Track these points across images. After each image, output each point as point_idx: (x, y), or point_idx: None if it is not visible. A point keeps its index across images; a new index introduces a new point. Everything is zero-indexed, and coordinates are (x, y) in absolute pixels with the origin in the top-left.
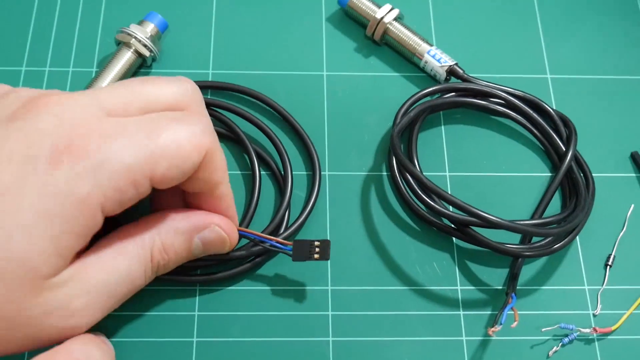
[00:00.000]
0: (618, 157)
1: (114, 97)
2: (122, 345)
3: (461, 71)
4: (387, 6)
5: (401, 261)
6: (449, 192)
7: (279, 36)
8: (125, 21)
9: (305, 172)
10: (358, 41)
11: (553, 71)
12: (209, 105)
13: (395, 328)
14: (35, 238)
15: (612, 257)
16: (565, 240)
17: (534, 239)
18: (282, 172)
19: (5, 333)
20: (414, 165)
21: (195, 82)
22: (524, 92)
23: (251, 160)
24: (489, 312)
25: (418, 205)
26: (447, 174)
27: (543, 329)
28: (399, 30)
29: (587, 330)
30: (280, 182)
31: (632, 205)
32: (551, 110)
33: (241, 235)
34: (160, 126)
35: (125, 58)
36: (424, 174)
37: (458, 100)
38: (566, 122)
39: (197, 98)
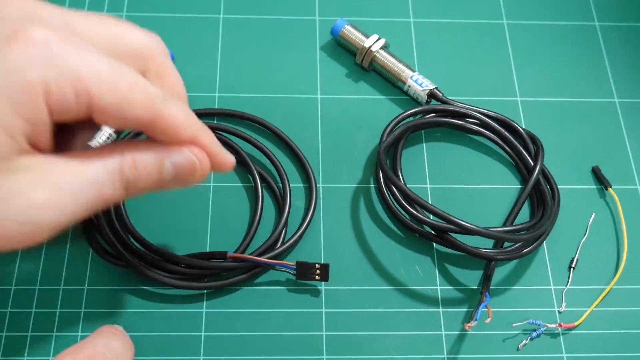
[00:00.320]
0: (580, 171)
1: (84, 22)
2: (139, 339)
3: (440, 94)
4: (375, 36)
5: (387, 264)
6: (430, 202)
7: (278, 63)
8: None
9: (302, 185)
10: (348, 67)
11: (522, 94)
12: (215, 130)
13: (382, 323)
14: None
15: (575, 260)
16: (534, 245)
17: (506, 244)
18: (282, 191)
19: None
20: (399, 178)
21: (202, 110)
22: (496, 113)
23: (254, 181)
24: (466, 309)
25: (402, 214)
26: (428, 186)
27: (514, 325)
28: (385, 58)
29: (553, 325)
30: (279, 200)
31: (593, 214)
32: (521, 129)
33: (252, 262)
34: (124, 68)
35: None
36: (407, 186)
37: (438, 120)
38: (534, 139)
39: (161, 50)
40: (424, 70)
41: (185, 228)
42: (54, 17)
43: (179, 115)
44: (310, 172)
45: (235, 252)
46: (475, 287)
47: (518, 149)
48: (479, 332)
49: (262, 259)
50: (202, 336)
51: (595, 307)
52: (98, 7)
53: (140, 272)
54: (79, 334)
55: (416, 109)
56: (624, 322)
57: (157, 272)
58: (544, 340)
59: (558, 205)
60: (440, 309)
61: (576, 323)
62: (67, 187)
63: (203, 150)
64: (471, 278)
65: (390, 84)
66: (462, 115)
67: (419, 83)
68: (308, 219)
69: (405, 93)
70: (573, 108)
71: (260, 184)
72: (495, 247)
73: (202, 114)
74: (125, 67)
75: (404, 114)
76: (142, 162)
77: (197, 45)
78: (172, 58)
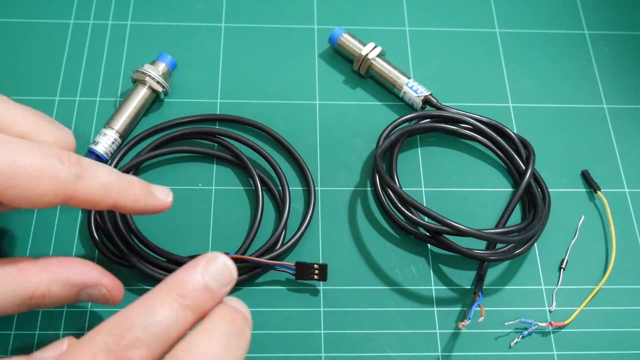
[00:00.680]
0: (570, 174)
1: (2, 111)
2: None
3: (435, 100)
4: (371, 44)
5: (383, 264)
6: (425, 205)
7: (277, 70)
8: (146, 57)
9: (301, 188)
10: (346, 75)
11: (514, 100)
12: (218, 135)
13: (378, 322)
14: None
15: (565, 261)
16: (525, 246)
17: (498, 245)
18: (281, 194)
19: None
20: (394, 182)
21: (205, 115)
22: (489, 118)
23: (255, 184)
24: (459, 309)
25: (398, 216)
26: (423, 189)
27: (506, 323)
28: (381, 65)
29: (544, 324)
30: (279, 202)
31: (583, 217)
32: (512, 134)
33: (253, 263)
34: (28, 156)
35: (142, 94)
36: (403, 189)
37: (432, 126)
38: (526, 144)
39: (72, 149)
40: (419, 77)
41: (187, 230)
42: None
43: (94, 189)
44: (309, 176)
45: (236, 253)
46: (469, 287)
47: (510, 153)
48: (472, 331)
49: (263, 259)
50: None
51: (584, 306)
52: (103, 17)
53: (143, 272)
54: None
55: (411, 115)
56: (613, 320)
57: (160, 272)
58: (535, 339)
59: (549, 208)
60: (435, 308)
61: (566, 322)
62: None
63: (127, 209)
64: (464, 278)
65: (387, 90)
66: (456, 121)
67: (414, 90)
68: (307, 221)
69: (401, 99)
70: (563, 113)
71: (261, 187)
72: (487, 248)
73: (205, 120)
74: (34, 153)
75: (400, 120)
76: (57, 292)
77: (199, 53)
78: (175, 66)
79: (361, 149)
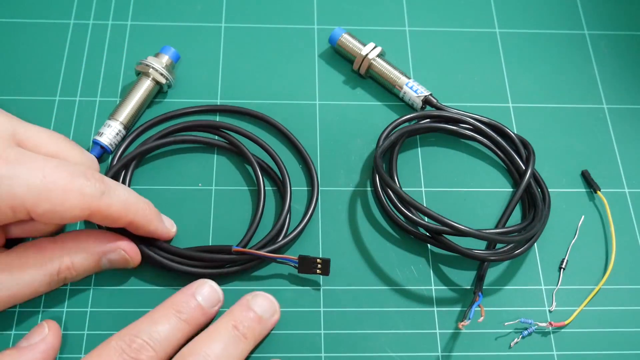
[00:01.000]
0: (570, 174)
1: (32, 134)
2: None
3: (435, 100)
4: (371, 44)
5: (383, 264)
6: (425, 205)
7: (278, 70)
8: (146, 57)
9: (303, 188)
10: (346, 75)
11: (514, 100)
12: (221, 128)
13: (379, 322)
14: None
15: (565, 261)
16: (525, 246)
17: (498, 245)
18: (282, 185)
19: None
20: (394, 182)
21: (207, 106)
22: (489, 118)
23: (256, 175)
24: (459, 309)
25: (398, 216)
26: (423, 189)
27: (506, 323)
28: (381, 65)
29: (544, 324)
30: (281, 192)
31: (583, 217)
32: (512, 134)
33: (256, 256)
34: (58, 173)
35: (145, 86)
36: (402, 189)
37: (432, 126)
38: (525, 144)
39: (96, 169)
40: (419, 78)
41: (189, 221)
42: (0, 123)
43: (115, 206)
44: (312, 167)
45: (238, 245)
46: (469, 287)
47: (510, 153)
48: (472, 331)
49: (266, 253)
50: None
51: (584, 306)
52: (103, 17)
53: (151, 259)
54: (85, 332)
55: (411, 115)
56: (612, 321)
57: (166, 258)
58: (535, 339)
59: (549, 208)
60: (435, 308)
61: (566, 322)
62: (6, 287)
63: (140, 229)
64: (464, 278)
65: (387, 90)
66: (456, 121)
67: (414, 90)
68: (310, 212)
69: (401, 99)
70: (563, 114)
71: (262, 178)
72: (487, 248)
73: (212, 110)
74: (62, 170)
75: (400, 120)
76: (80, 264)
77: (199, 53)
78: (178, 58)
79: (361, 149)
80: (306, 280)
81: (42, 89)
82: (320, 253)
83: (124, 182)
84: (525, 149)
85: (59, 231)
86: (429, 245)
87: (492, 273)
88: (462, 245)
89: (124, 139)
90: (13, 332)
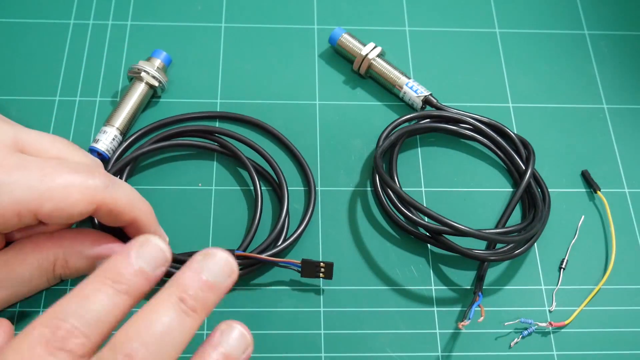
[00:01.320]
0: (570, 174)
1: (34, 140)
2: None
3: (435, 100)
4: (371, 44)
5: (383, 264)
6: (425, 205)
7: (277, 70)
8: (146, 57)
9: (301, 188)
10: (346, 75)
11: (514, 100)
12: (216, 133)
13: (379, 322)
14: None
15: (565, 261)
16: (525, 246)
17: (498, 245)
18: (280, 190)
19: None
20: (394, 182)
21: (207, 112)
22: (489, 118)
23: (253, 181)
24: (459, 309)
25: (398, 216)
26: (423, 189)
27: (506, 323)
28: (381, 65)
29: (544, 324)
30: (278, 196)
31: (583, 217)
32: (512, 134)
33: (259, 261)
34: (57, 171)
35: (139, 90)
36: (402, 189)
37: (432, 126)
38: (525, 144)
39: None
40: (419, 78)
41: (187, 227)
42: (2, 131)
43: (121, 198)
44: (309, 172)
45: (238, 249)
46: (469, 287)
47: (510, 153)
48: (472, 331)
49: (270, 257)
50: (205, 334)
51: (584, 306)
52: (103, 17)
53: None
54: None
55: (411, 115)
56: (612, 321)
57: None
58: (535, 339)
59: (549, 208)
60: (435, 308)
61: (566, 322)
62: (6, 285)
63: (142, 227)
64: (464, 278)
65: (387, 90)
66: (456, 121)
67: (414, 90)
68: (308, 217)
69: (401, 99)
70: (563, 113)
71: (259, 183)
72: (487, 248)
73: (206, 117)
74: (62, 167)
75: (400, 120)
76: (73, 264)
77: (199, 53)
78: (170, 61)
79: (361, 149)
80: (306, 280)
81: (42, 89)
82: (320, 253)
83: None
84: (525, 149)
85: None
86: (429, 245)
87: (492, 273)
88: (462, 245)
89: (119, 144)
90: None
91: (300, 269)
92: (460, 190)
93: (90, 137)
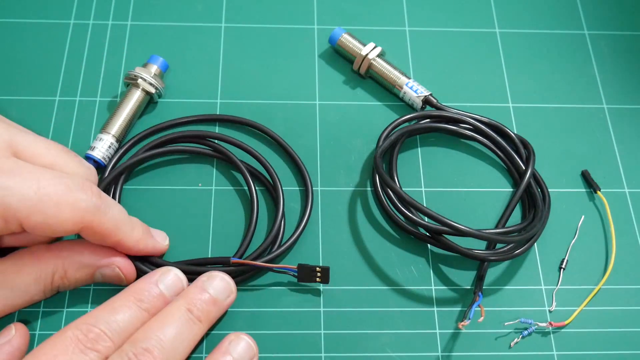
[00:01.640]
0: (570, 174)
1: (29, 144)
2: None
3: (435, 100)
4: (371, 44)
5: (383, 264)
6: (425, 205)
7: (278, 70)
8: (146, 57)
9: (301, 188)
10: (346, 75)
11: (514, 100)
12: (208, 138)
13: (378, 322)
14: None
15: (565, 261)
16: (525, 246)
17: (498, 245)
18: (275, 195)
19: None
20: (394, 182)
21: (203, 116)
22: (489, 118)
23: (249, 186)
24: (459, 309)
25: (398, 217)
26: (423, 189)
27: (506, 323)
28: (381, 65)
29: (544, 324)
30: (274, 201)
31: (583, 217)
32: (512, 134)
33: (254, 267)
34: (52, 185)
35: (135, 97)
36: (402, 189)
37: (432, 126)
38: (525, 144)
39: (93, 183)
40: (419, 77)
41: (185, 231)
42: None
43: (107, 224)
44: (306, 175)
45: (234, 255)
46: (469, 287)
47: (510, 153)
48: (472, 331)
49: (265, 263)
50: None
51: (584, 306)
52: (103, 17)
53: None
54: None
55: (411, 115)
56: (612, 321)
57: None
58: (535, 339)
59: (549, 208)
60: (435, 308)
61: (566, 322)
62: (2, 296)
63: (127, 249)
64: (464, 278)
65: (387, 90)
66: (456, 121)
67: (414, 90)
68: (304, 222)
69: (401, 99)
70: (563, 114)
71: (255, 187)
72: (487, 248)
73: (202, 120)
74: (58, 182)
75: (400, 120)
76: (72, 274)
77: (199, 53)
78: (167, 67)
79: (361, 149)
80: None
81: (42, 89)
82: (320, 253)
83: (114, 196)
84: (525, 149)
85: (54, 240)
86: (429, 245)
87: (492, 273)
88: (462, 245)
89: (116, 152)
90: None
91: (296, 274)
92: (460, 190)
93: (90, 137)
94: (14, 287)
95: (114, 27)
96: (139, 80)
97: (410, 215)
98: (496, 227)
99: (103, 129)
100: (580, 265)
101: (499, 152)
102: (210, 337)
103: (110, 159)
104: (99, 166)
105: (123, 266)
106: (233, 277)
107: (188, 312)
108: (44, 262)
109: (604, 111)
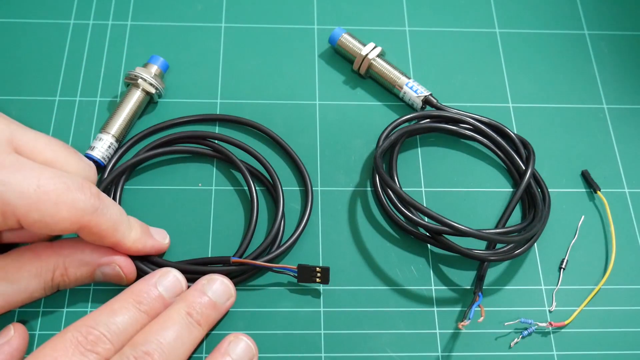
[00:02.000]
0: (570, 174)
1: (30, 140)
2: None
3: (435, 100)
4: (371, 44)
5: (383, 264)
6: (425, 205)
7: (278, 70)
8: (146, 57)
9: (300, 188)
10: (346, 75)
11: (514, 100)
12: (209, 138)
13: (379, 322)
14: None
15: (565, 261)
16: (525, 246)
17: (498, 245)
18: (274, 190)
19: None
20: (394, 182)
21: (203, 115)
22: (489, 118)
23: (247, 181)
24: (459, 309)
25: (398, 217)
26: (423, 189)
27: (506, 323)
28: (381, 65)
29: (544, 324)
30: (274, 201)
31: (582, 217)
32: (512, 134)
33: (255, 266)
34: (52, 184)
35: (135, 97)
36: (402, 189)
37: (432, 126)
38: (525, 144)
39: (92, 180)
40: (419, 78)
41: (185, 231)
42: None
43: (105, 224)
44: (306, 175)
45: (234, 255)
46: (469, 287)
47: (510, 153)
48: (472, 331)
49: (266, 263)
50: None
51: (584, 306)
52: (103, 17)
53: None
54: None
55: (411, 115)
56: (612, 321)
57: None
58: (535, 339)
59: (549, 208)
60: (435, 309)
61: (566, 322)
62: (2, 293)
63: (125, 249)
64: (464, 278)
65: (387, 90)
66: (456, 121)
67: (414, 90)
68: (304, 222)
69: (401, 99)
70: (563, 114)
71: (255, 187)
72: (487, 248)
73: (202, 120)
74: (57, 181)
75: (400, 120)
76: (73, 272)
77: (199, 53)
78: (167, 67)
79: (361, 149)
80: None
81: (42, 89)
82: (320, 253)
83: (114, 196)
84: (525, 149)
85: (55, 237)
86: (429, 245)
87: (492, 273)
88: (462, 245)
89: (115, 152)
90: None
91: (296, 274)
92: (460, 190)
93: (90, 137)
94: (14, 283)
95: (114, 27)
96: (139, 81)
97: (410, 215)
98: (496, 227)
99: (103, 128)
100: (580, 266)
101: (499, 152)
102: (210, 337)
103: (110, 159)
104: (99, 166)
105: (124, 265)
106: (233, 277)
107: (188, 316)
108: (45, 259)
109: (604, 111)
